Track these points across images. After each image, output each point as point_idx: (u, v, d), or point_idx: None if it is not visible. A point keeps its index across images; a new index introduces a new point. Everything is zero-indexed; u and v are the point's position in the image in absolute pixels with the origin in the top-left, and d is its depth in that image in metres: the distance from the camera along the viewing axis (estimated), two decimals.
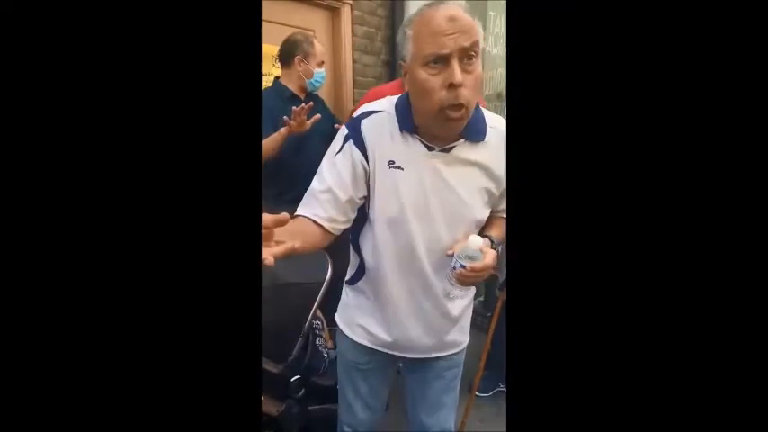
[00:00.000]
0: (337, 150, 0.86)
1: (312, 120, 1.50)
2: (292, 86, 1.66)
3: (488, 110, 0.90)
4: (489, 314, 2.04)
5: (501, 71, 2.83)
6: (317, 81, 1.66)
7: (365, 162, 0.84)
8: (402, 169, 0.83)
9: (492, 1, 2.65)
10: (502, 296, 1.62)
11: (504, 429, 0.52)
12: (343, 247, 1.01)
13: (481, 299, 2.53)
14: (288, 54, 1.63)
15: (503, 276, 1.59)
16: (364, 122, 0.85)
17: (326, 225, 0.84)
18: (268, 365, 1.20)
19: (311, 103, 1.48)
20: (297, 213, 0.85)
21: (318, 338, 1.44)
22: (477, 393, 1.70)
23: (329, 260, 1.33)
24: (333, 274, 1.29)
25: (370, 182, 0.85)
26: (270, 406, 1.23)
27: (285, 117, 1.46)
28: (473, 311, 1.04)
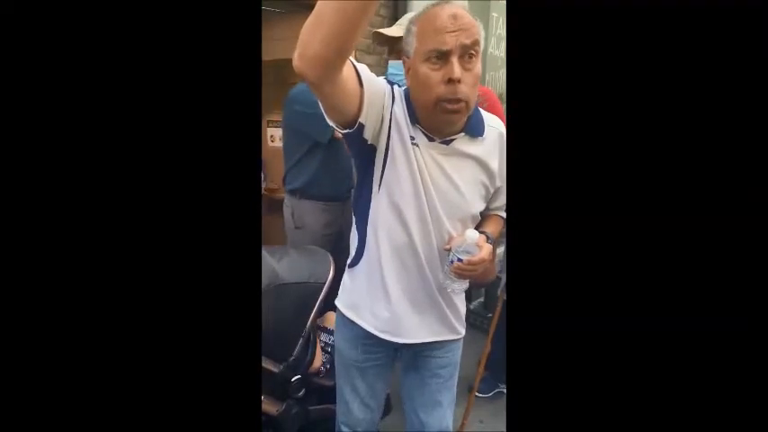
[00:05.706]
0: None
1: None
2: None
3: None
4: (489, 315, 2.04)
5: (504, 72, 2.83)
6: None
7: (389, 104, 0.83)
8: (418, 146, 0.84)
9: (495, 1, 2.66)
10: (502, 297, 1.62)
11: (504, 430, 0.52)
12: (346, 247, 1.01)
13: (481, 300, 2.53)
14: None
15: (505, 277, 1.59)
16: (395, 87, 0.86)
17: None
18: (268, 365, 1.20)
19: None
20: None
21: (323, 334, 1.44)
22: (476, 394, 1.70)
23: (331, 260, 1.33)
24: (335, 274, 1.29)
25: (388, 156, 0.85)
26: (270, 406, 1.23)
27: None
28: (473, 313, 1.03)
